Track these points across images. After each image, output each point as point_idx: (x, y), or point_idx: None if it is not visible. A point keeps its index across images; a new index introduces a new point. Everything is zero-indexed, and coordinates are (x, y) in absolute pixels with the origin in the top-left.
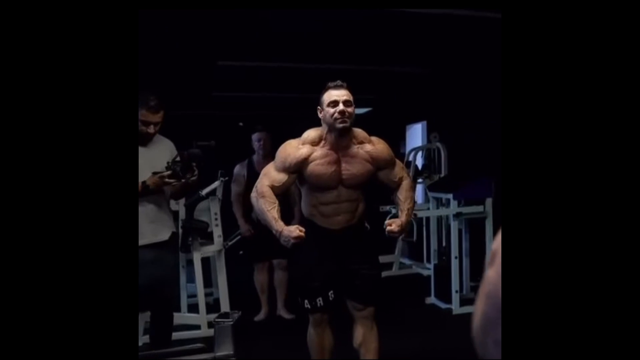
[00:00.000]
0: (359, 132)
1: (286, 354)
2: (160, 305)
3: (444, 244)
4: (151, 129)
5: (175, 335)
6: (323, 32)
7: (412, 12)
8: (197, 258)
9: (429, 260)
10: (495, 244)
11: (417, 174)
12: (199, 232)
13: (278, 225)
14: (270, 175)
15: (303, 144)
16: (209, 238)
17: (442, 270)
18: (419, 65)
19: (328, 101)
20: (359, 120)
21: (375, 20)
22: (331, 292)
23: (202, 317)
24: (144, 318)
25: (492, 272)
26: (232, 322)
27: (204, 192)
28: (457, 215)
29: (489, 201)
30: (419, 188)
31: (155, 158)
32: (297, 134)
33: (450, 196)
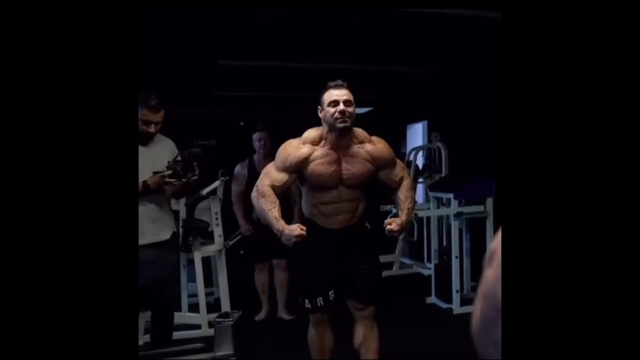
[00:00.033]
0: (359, 131)
1: (286, 353)
2: (161, 305)
3: (444, 243)
4: (152, 129)
5: (176, 335)
6: (324, 31)
7: (413, 11)
8: (197, 257)
9: (429, 260)
10: (493, 244)
11: (417, 173)
12: (199, 231)
13: (279, 224)
14: (271, 174)
15: (303, 143)
16: (209, 237)
17: (443, 270)
18: (420, 65)
19: (328, 101)
20: (359, 120)
21: (376, 20)
22: (331, 291)
23: (202, 317)
24: (144, 317)
25: (490, 272)
26: (232, 322)
27: (205, 191)
28: (458, 215)
29: (489, 201)
30: (420, 188)
31: (156, 157)
32: (297, 133)
33: (450, 196)
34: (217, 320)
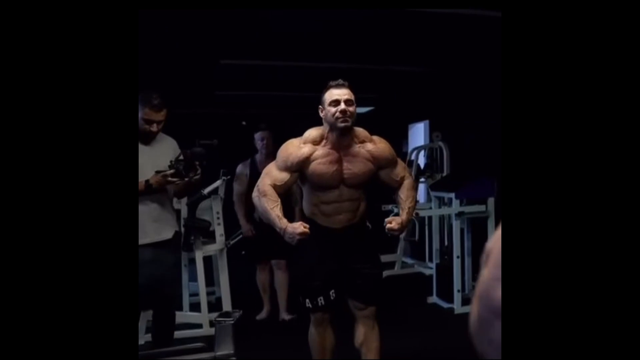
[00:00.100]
0: (360, 131)
1: (287, 353)
2: (163, 304)
3: (446, 243)
4: (154, 128)
5: (177, 334)
6: (325, 31)
7: (415, 11)
8: (199, 257)
9: (431, 260)
10: (489, 243)
11: (419, 173)
12: (201, 230)
13: (282, 222)
14: (272, 174)
15: (304, 143)
16: (211, 237)
17: (444, 270)
18: (422, 65)
19: (329, 100)
20: (361, 120)
21: (377, 20)
22: (332, 291)
23: (204, 316)
24: (146, 316)
25: (486, 273)
26: (232, 322)
27: (206, 191)
28: (459, 215)
29: (491, 200)
30: (421, 187)
31: (158, 156)
32: (298, 133)
33: (452, 195)
34: (217, 319)
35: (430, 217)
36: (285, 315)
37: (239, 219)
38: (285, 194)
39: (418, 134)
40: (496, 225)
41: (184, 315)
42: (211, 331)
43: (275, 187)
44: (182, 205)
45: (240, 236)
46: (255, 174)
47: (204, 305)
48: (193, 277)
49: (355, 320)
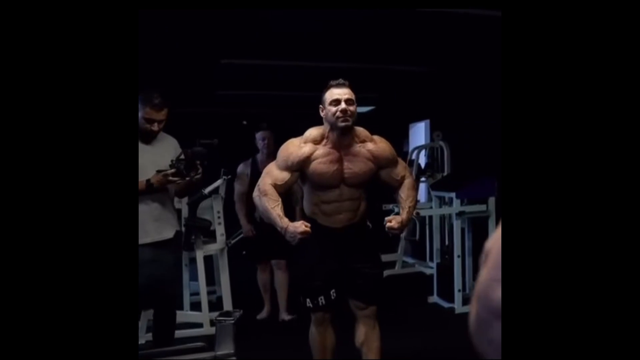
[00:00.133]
0: (360, 130)
1: (287, 353)
2: (163, 303)
3: (446, 242)
4: (155, 127)
5: (178, 333)
6: (326, 31)
7: (415, 11)
8: (199, 256)
9: (431, 259)
10: (488, 243)
11: (420, 172)
12: (201, 230)
13: (283, 222)
14: (273, 173)
15: (305, 142)
16: (211, 236)
17: (445, 269)
18: (422, 64)
19: (330, 100)
20: (361, 119)
21: (378, 19)
22: (333, 291)
23: (204, 315)
24: (147, 316)
25: (484, 273)
26: (233, 321)
27: (207, 190)
28: (460, 214)
29: (492, 200)
30: (422, 187)
31: (159, 156)
32: (299, 132)
33: (453, 195)
34: (218, 319)
35: (431, 217)
36: (285, 316)
37: (240, 219)
38: (286, 193)
39: (419, 134)
40: (497, 225)
41: (184, 315)
42: (212, 330)
43: (276, 186)
44: (182, 204)
45: (241, 236)
46: (256, 174)
47: (204, 305)
48: (194, 277)
49: (355, 320)
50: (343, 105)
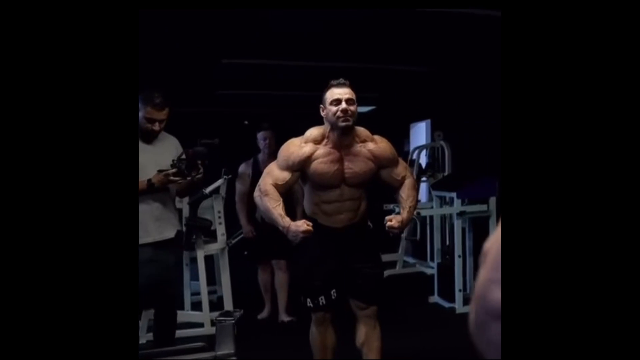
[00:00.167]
0: (361, 130)
1: (288, 353)
2: (164, 303)
3: (447, 242)
4: (156, 126)
5: (179, 333)
6: (326, 31)
7: (415, 11)
8: (200, 256)
9: (432, 259)
10: (487, 244)
11: (421, 172)
12: (202, 229)
13: (285, 221)
14: (274, 173)
15: (306, 142)
16: (212, 236)
17: (446, 269)
18: (423, 64)
19: (330, 99)
20: (363, 119)
21: (378, 19)
22: (333, 290)
23: (205, 315)
24: (148, 316)
25: (482, 274)
26: (233, 321)
27: (208, 190)
28: (461, 214)
29: (492, 200)
30: (423, 186)
31: (160, 155)
32: (299, 132)
33: (454, 195)
34: (218, 319)
35: (431, 217)
36: (284, 317)
37: (240, 220)
38: (287, 193)
39: (420, 133)
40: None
41: (185, 314)
42: (212, 330)
43: (276, 186)
44: (183, 204)
45: (241, 236)
46: (257, 174)
47: (205, 305)
48: (194, 276)
49: (356, 320)
50: (344, 105)
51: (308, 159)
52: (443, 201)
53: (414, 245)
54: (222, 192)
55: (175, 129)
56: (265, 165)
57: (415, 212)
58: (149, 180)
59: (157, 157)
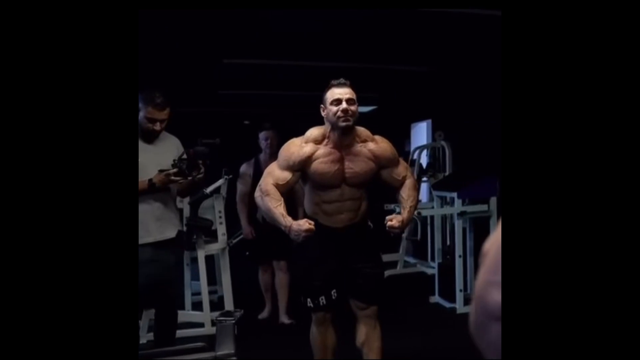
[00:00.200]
0: (362, 130)
1: (288, 353)
2: (165, 303)
3: (448, 242)
4: (157, 126)
5: (179, 333)
6: (326, 31)
7: (415, 11)
8: (201, 256)
9: (433, 259)
10: (486, 245)
11: (421, 172)
12: (203, 229)
13: (286, 220)
14: (274, 173)
15: (306, 142)
16: (213, 236)
17: (447, 269)
18: (424, 64)
19: (331, 99)
20: (363, 119)
21: (378, 19)
22: (334, 290)
23: (206, 315)
24: (148, 315)
25: (481, 275)
26: (233, 321)
27: (208, 190)
28: (462, 214)
29: (493, 200)
30: (424, 186)
31: (161, 155)
32: (300, 132)
33: (454, 195)
34: (218, 319)
35: (432, 217)
36: (284, 319)
37: (241, 220)
38: (288, 193)
39: (420, 133)
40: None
41: (186, 314)
42: (213, 330)
43: (277, 186)
44: (184, 204)
45: (241, 236)
46: (258, 174)
47: (205, 304)
48: (195, 276)
49: (356, 320)
50: (344, 105)
51: (309, 159)
52: (444, 201)
53: (415, 245)
54: (223, 192)
55: (176, 129)
56: (267, 165)
57: (415, 212)
58: (150, 180)
59: (158, 157)
